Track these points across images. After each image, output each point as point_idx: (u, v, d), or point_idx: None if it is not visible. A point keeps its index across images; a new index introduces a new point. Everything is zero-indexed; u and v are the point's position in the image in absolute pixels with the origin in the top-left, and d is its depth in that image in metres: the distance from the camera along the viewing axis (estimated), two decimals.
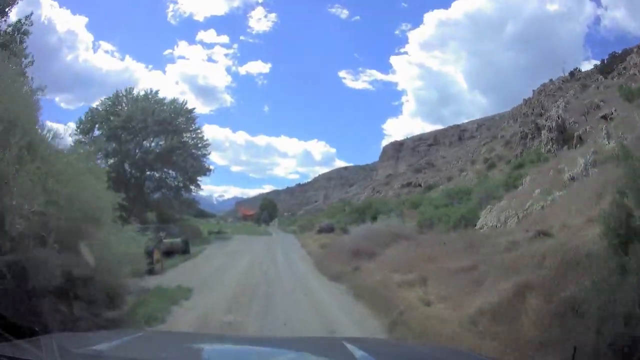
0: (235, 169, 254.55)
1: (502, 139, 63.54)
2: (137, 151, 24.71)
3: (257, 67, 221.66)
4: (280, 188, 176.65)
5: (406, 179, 57.51)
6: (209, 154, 30.80)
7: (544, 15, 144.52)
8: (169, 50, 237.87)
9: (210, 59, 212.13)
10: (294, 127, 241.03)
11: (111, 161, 23.64)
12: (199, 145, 29.61)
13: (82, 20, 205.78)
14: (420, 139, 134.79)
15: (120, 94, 25.58)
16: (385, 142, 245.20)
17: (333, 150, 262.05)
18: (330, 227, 27.90)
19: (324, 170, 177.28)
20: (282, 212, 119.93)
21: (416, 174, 57.69)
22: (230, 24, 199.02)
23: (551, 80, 54.42)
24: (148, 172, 25.69)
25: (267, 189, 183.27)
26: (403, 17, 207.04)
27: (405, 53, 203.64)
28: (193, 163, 26.99)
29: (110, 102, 25.30)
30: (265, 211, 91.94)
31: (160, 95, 26.84)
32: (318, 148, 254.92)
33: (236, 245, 26.66)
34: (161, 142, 24.67)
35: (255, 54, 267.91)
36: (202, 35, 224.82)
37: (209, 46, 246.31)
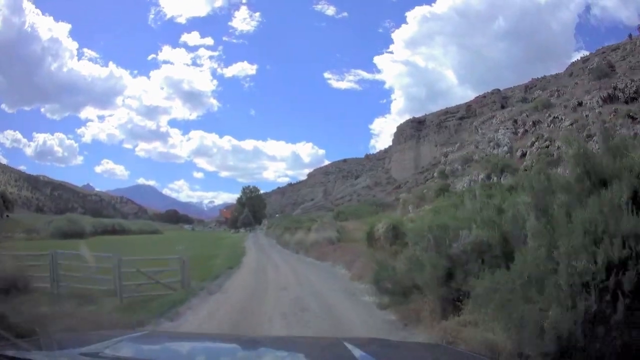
0: (223, 174, 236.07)
1: None
2: None
3: (243, 69, 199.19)
4: (270, 190, 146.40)
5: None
6: None
7: (533, 5, 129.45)
8: (153, 55, 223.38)
9: (194, 63, 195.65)
10: (282, 129, 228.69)
11: None
12: None
13: (66, 27, 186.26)
14: (446, 112, 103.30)
15: None
16: (373, 142, 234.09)
17: (322, 151, 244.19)
18: None
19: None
20: (273, 214, 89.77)
21: None
22: (214, 25, 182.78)
23: None
24: None
25: None
26: (392, 12, 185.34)
27: (391, 52, 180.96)
28: None
29: None
30: (247, 209, 57.39)
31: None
32: (306, 150, 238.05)
33: None
34: None
35: (240, 55, 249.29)
36: (185, 37, 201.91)
37: (193, 49, 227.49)
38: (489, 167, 14.35)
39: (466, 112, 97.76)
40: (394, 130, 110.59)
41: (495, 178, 13.68)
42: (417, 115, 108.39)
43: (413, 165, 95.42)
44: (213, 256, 16.61)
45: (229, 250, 20.81)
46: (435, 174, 18.61)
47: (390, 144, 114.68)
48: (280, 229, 33.90)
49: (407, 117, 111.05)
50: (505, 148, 16.13)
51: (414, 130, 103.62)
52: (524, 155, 15.01)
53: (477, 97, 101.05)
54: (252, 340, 2.89)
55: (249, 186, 71.76)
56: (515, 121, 18.54)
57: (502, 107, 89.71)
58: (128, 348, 2.05)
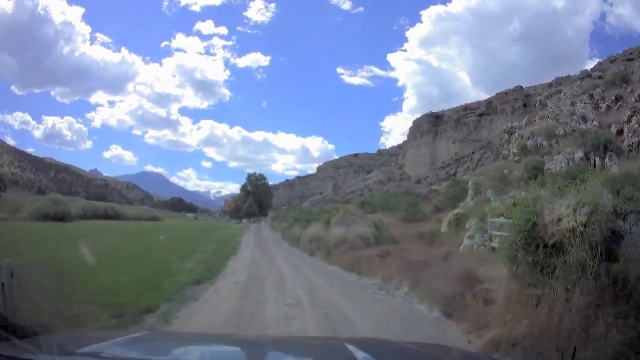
0: (232, 164, 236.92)
1: None
2: None
3: (257, 60, 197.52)
4: (278, 183, 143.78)
5: None
6: None
7: (549, 10, 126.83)
8: (166, 42, 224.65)
9: (208, 52, 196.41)
10: (292, 122, 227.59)
11: None
12: None
13: (79, 10, 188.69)
14: (466, 108, 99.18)
15: None
16: (384, 139, 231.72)
17: (332, 146, 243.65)
18: None
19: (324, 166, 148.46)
20: (280, 205, 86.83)
21: None
22: (228, 14, 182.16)
23: None
24: None
25: None
26: (407, 10, 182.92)
27: (405, 50, 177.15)
28: None
29: None
30: (251, 198, 53.23)
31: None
32: (316, 144, 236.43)
33: None
34: None
35: (254, 46, 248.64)
36: (199, 26, 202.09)
37: (207, 38, 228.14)
38: (588, 143, 10.27)
39: (486, 109, 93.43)
40: (405, 128, 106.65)
41: (596, 158, 9.69)
42: (434, 111, 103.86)
43: (429, 161, 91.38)
44: (190, 254, 12.51)
45: (218, 245, 16.82)
46: (515, 149, 14.59)
47: (401, 142, 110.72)
48: (287, 221, 29.29)
49: (418, 116, 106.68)
50: (595, 123, 12.11)
51: (430, 125, 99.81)
52: (620, 132, 10.98)
53: (499, 93, 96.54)
54: (253, 341, 2.82)
55: (254, 173, 66.23)
56: (592, 95, 14.59)
57: (524, 105, 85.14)
58: (128, 348, 2.01)
